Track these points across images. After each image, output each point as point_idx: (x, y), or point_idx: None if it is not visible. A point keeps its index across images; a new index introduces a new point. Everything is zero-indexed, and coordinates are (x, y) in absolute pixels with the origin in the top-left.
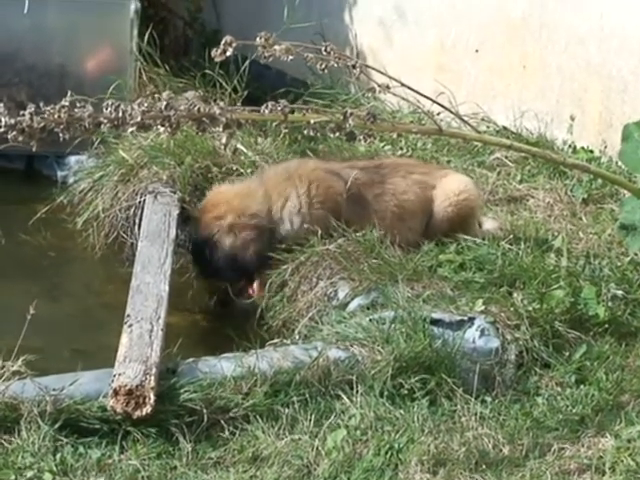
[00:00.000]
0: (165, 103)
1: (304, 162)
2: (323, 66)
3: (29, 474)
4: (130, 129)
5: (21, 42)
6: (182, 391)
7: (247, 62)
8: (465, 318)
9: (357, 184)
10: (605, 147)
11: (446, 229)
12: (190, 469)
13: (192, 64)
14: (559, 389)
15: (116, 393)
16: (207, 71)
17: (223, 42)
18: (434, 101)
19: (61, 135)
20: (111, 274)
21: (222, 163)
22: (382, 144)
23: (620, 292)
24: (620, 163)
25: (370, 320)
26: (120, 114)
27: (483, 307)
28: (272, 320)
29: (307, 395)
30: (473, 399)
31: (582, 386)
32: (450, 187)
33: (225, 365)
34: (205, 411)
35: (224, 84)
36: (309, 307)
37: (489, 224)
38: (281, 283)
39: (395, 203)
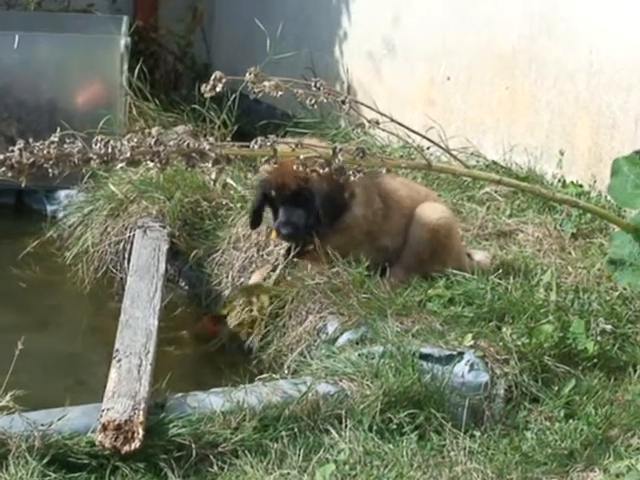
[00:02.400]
0: (154, 139)
1: None
2: (313, 102)
3: None
4: (119, 165)
5: (11, 77)
6: (171, 426)
7: (237, 96)
8: (454, 353)
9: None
10: (594, 182)
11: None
12: None
13: (182, 98)
14: (548, 423)
15: (105, 428)
16: (197, 106)
17: (213, 78)
18: (423, 136)
19: (50, 170)
20: (100, 309)
21: (212, 198)
22: None
23: (609, 326)
24: (609, 198)
25: (359, 355)
26: (109, 150)
27: (472, 342)
28: (261, 354)
29: (296, 430)
30: (462, 434)
31: (571, 420)
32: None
33: (214, 400)
34: (194, 446)
35: (214, 118)
36: (298, 341)
37: (479, 256)
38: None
39: None
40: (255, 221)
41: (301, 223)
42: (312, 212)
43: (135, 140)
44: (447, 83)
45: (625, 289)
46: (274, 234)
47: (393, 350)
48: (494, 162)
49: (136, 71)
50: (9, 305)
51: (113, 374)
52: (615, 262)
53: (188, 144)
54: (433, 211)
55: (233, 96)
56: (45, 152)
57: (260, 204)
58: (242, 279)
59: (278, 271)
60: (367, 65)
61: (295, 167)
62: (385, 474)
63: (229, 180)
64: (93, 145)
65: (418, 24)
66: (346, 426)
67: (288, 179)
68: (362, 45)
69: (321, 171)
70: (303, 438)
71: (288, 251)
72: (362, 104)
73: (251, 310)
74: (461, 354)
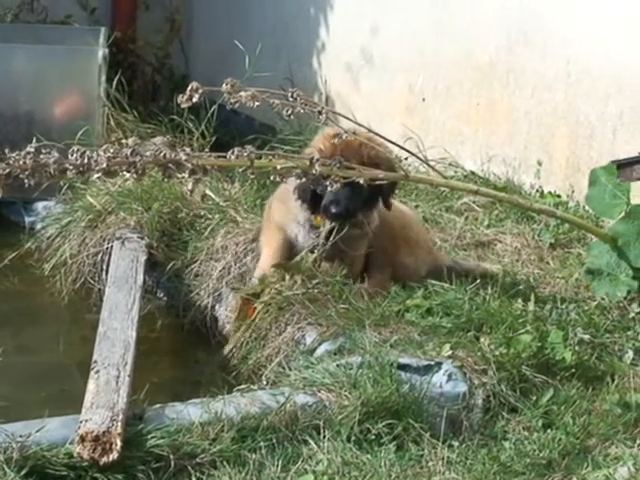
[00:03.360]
0: (131, 149)
1: None
2: (289, 112)
3: None
4: (96, 175)
5: None
6: (149, 437)
7: (215, 107)
8: (432, 363)
9: None
10: (572, 192)
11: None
12: None
13: (161, 110)
14: (526, 433)
15: (83, 439)
16: (175, 117)
17: (189, 88)
18: (401, 147)
19: (26, 181)
20: (78, 320)
21: (190, 208)
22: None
23: (587, 336)
24: (587, 207)
25: (337, 365)
26: (85, 160)
27: (450, 352)
28: (240, 366)
29: (274, 440)
30: (440, 444)
31: (549, 430)
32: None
33: (192, 411)
34: (172, 457)
35: (192, 129)
36: (277, 352)
37: (489, 266)
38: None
39: None
40: (314, 204)
41: (351, 203)
42: (362, 194)
43: (111, 151)
44: (425, 92)
45: (603, 299)
46: (319, 218)
47: (371, 360)
48: (472, 172)
49: (114, 82)
50: None
51: (91, 385)
52: (593, 272)
53: (165, 154)
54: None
55: (212, 107)
56: (21, 162)
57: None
58: (220, 290)
59: (316, 253)
60: (345, 76)
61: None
62: None
63: (207, 191)
64: (69, 156)
65: (396, 35)
66: (324, 437)
67: (352, 156)
68: (340, 56)
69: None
70: (281, 449)
71: (328, 236)
72: (339, 114)
73: (281, 287)
74: (439, 364)
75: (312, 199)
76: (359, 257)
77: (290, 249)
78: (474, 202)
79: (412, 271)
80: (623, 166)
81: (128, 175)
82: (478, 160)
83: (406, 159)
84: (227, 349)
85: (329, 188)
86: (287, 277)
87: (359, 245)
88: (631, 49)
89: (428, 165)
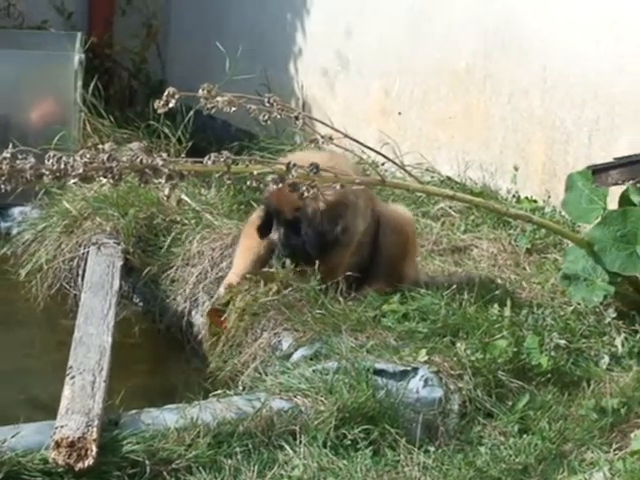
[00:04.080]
0: (107, 155)
1: None
2: (266, 117)
3: None
4: (72, 180)
5: None
6: (124, 443)
7: (192, 113)
8: (408, 368)
9: None
10: (549, 197)
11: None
12: None
13: (137, 115)
14: (502, 438)
15: (58, 445)
16: (152, 122)
17: (166, 93)
18: (377, 152)
19: (2, 187)
20: (54, 325)
21: (166, 214)
22: None
23: (563, 341)
24: (564, 213)
25: (313, 371)
26: (62, 166)
27: (426, 357)
28: (217, 372)
29: (250, 446)
30: (416, 449)
31: (525, 435)
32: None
33: (168, 416)
34: (147, 462)
35: (169, 135)
36: (253, 358)
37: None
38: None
39: None
40: (264, 234)
41: (299, 245)
42: (310, 235)
43: (88, 156)
44: (402, 98)
45: (579, 304)
46: None
47: (347, 366)
48: (449, 178)
49: (90, 87)
50: None
51: (67, 391)
52: (569, 277)
53: (141, 160)
54: (398, 212)
55: (189, 113)
56: None
57: (266, 219)
58: (196, 295)
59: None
60: (322, 81)
61: (291, 193)
62: None
63: (183, 196)
64: (46, 161)
65: (372, 40)
66: (300, 442)
67: (285, 206)
68: (317, 61)
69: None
70: (257, 454)
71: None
72: (316, 120)
73: (256, 294)
74: (415, 369)
75: (266, 233)
76: (340, 265)
77: (260, 261)
78: (450, 207)
79: (411, 282)
80: (599, 171)
81: (104, 180)
82: (455, 165)
83: (383, 164)
84: (211, 366)
85: (280, 230)
86: (262, 284)
87: (338, 255)
88: (607, 55)
89: (404, 170)
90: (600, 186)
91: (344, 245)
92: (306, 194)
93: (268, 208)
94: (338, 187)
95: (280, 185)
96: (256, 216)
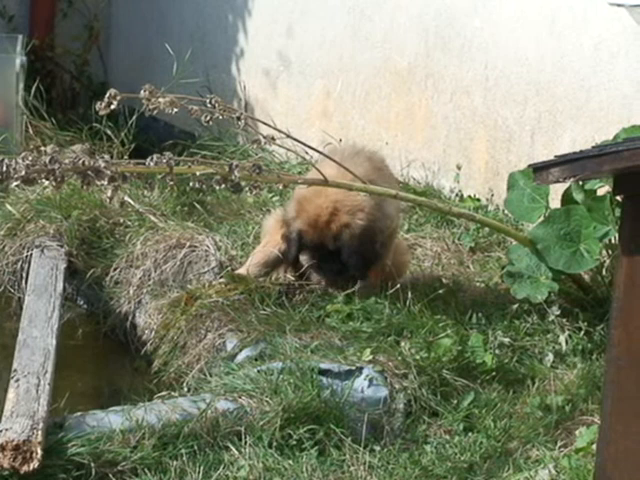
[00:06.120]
0: (49, 157)
1: None
2: (208, 118)
3: None
4: (14, 183)
5: None
6: (70, 445)
7: (135, 115)
8: (353, 368)
9: None
10: (492, 195)
11: None
12: None
13: (80, 117)
14: (447, 437)
15: (3, 448)
16: (95, 124)
17: (107, 95)
18: (320, 152)
19: None
20: None
21: (109, 216)
22: (270, 195)
23: (507, 339)
24: (506, 211)
25: (258, 371)
26: (4, 168)
27: (371, 357)
28: (161, 373)
29: (195, 447)
30: (362, 448)
31: (470, 434)
32: None
33: (113, 418)
34: (93, 465)
35: (112, 137)
36: (198, 359)
37: None
38: (171, 337)
39: None
40: (296, 267)
41: (340, 269)
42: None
43: (30, 158)
44: (344, 98)
45: (523, 302)
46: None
47: (292, 366)
48: None
49: (32, 90)
50: None
51: (11, 394)
52: (513, 275)
53: (83, 162)
54: None
55: (133, 115)
56: None
57: (298, 254)
58: (140, 296)
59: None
60: (264, 82)
61: (328, 224)
62: None
63: (126, 198)
64: None
65: (314, 41)
66: (246, 443)
67: (325, 239)
68: (259, 62)
69: (354, 227)
70: (203, 455)
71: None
72: (258, 120)
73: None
74: (360, 369)
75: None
76: (385, 267)
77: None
78: None
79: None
80: (539, 169)
81: (47, 183)
82: (397, 164)
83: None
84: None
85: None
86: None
87: (381, 263)
88: (547, 53)
89: (346, 169)
90: (540, 184)
91: (386, 254)
92: (249, 193)
93: (302, 242)
94: (365, 205)
95: (313, 220)
96: (280, 214)
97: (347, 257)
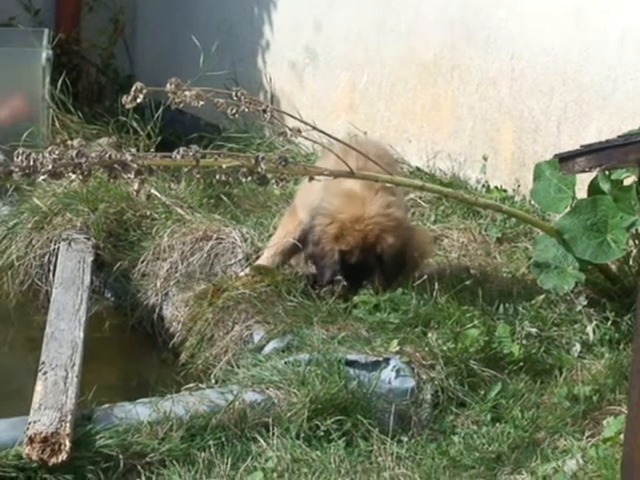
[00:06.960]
0: (76, 151)
1: None
2: (234, 111)
3: None
4: (41, 177)
5: None
6: (98, 437)
7: (161, 108)
8: (380, 359)
9: None
10: (518, 186)
11: None
12: None
13: (106, 110)
14: (475, 427)
15: (31, 441)
16: (121, 117)
17: (134, 89)
18: (346, 144)
19: None
20: (26, 321)
21: (136, 209)
22: (297, 187)
23: (534, 330)
24: (533, 202)
25: (285, 363)
26: (31, 162)
27: (398, 347)
28: (189, 365)
29: (223, 439)
30: (389, 439)
31: (498, 424)
32: None
33: (141, 410)
34: (121, 457)
35: (138, 130)
36: (225, 351)
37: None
38: (198, 329)
39: None
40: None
41: (367, 282)
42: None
43: (57, 152)
44: (370, 90)
45: (550, 292)
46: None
47: (319, 357)
48: (418, 169)
49: (59, 84)
50: None
51: (39, 387)
52: (540, 265)
53: (110, 155)
54: None
55: (159, 108)
56: None
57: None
58: (167, 289)
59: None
60: (290, 74)
61: (374, 245)
62: None
63: (153, 191)
64: (15, 158)
65: (340, 33)
66: (273, 434)
67: (368, 255)
68: (285, 55)
69: (396, 244)
70: (230, 447)
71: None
72: (284, 113)
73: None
74: (387, 360)
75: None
76: None
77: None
78: (420, 198)
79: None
80: (565, 159)
81: (74, 176)
82: (424, 156)
83: None
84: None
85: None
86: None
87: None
88: (574, 44)
89: (373, 161)
90: (566, 174)
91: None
92: (275, 185)
93: (347, 261)
94: (401, 220)
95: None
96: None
97: (391, 267)
